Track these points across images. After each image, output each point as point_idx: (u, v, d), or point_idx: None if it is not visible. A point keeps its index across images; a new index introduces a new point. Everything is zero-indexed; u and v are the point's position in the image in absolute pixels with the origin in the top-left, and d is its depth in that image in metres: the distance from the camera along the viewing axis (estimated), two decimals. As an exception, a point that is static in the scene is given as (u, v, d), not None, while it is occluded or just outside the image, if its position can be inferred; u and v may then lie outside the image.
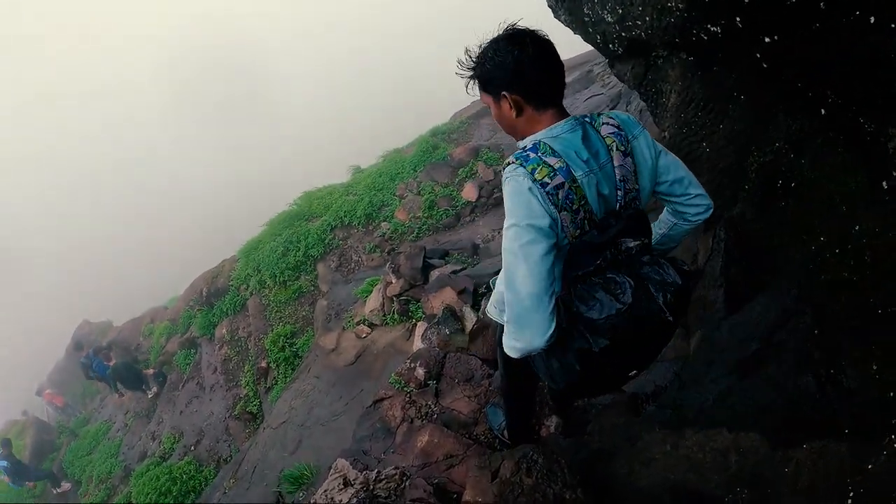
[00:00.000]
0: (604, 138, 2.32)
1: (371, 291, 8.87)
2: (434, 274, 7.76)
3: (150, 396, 15.42)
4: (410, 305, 7.77)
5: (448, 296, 6.82)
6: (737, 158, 4.12)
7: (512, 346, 2.37)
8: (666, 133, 5.04)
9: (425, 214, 11.26)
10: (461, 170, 11.92)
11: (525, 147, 2.29)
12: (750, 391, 3.48)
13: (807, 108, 3.20)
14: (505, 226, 2.30)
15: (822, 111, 2.84)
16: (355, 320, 8.82)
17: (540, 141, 2.27)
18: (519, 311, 2.30)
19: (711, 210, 2.75)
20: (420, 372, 5.66)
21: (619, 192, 2.32)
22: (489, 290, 6.15)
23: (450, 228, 10.81)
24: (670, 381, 4.60)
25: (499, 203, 10.66)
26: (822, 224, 3.25)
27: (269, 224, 14.22)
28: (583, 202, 2.23)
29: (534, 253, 2.21)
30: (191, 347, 14.85)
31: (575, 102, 12.49)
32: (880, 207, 2.76)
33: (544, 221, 2.19)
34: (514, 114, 2.35)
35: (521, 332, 2.32)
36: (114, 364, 15.50)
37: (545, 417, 5.01)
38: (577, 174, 2.21)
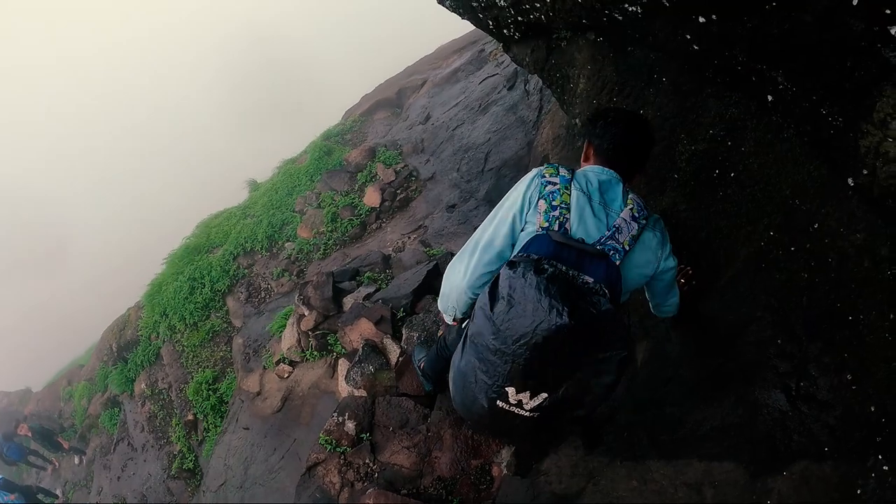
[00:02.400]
0: (627, 199, 2.76)
1: (285, 326, 8.24)
2: (348, 302, 7.18)
3: (80, 464, 14.69)
4: (328, 338, 7.19)
5: (365, 328, 6.27)
6: (661, 146, 3.79)
7: (445, 275, 2.97)
8: (577, 120, 4.71)
9: (329, 228, 10.57)
10: (360, 174, 11.27)
11: None
12: (716, 413, 3.22)
13: (747, 94, 3.09)
14: (501, 201, 2.87)
15: (769, 98, 2.67)
16: (274, 359, 8.22)
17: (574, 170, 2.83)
18: (466, 249, 2.86)
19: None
20: (350, 426, 5.15)
21: (606, 233, 2.64)
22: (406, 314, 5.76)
23: (357, 240, 10.16)
24: (621, 402, 4.20)
25: (404, 205, 10.14)
26: (771, 218, 3.14)
27: (168, 261, 13.30)
28: (563, 206, 2.63)
29: (504, 217, 2.75)
30: (114, 406, 13.92)
31: (469, 86, 12.04)
32: (844, 205, 2.64)
33: (520, 208, 2.72)
34: (583, 158, 3.03)
35: (453, 267, 2.90)
36: (32, 434, 14.84)
37: (494, 454, 4.60)
38: (574, 187, 2.70)
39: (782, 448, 2.74)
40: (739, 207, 3.34)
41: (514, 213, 2.72)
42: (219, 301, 11.34)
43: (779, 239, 3.07)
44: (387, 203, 10.28)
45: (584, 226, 2.62)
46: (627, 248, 2.65)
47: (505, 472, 4.47)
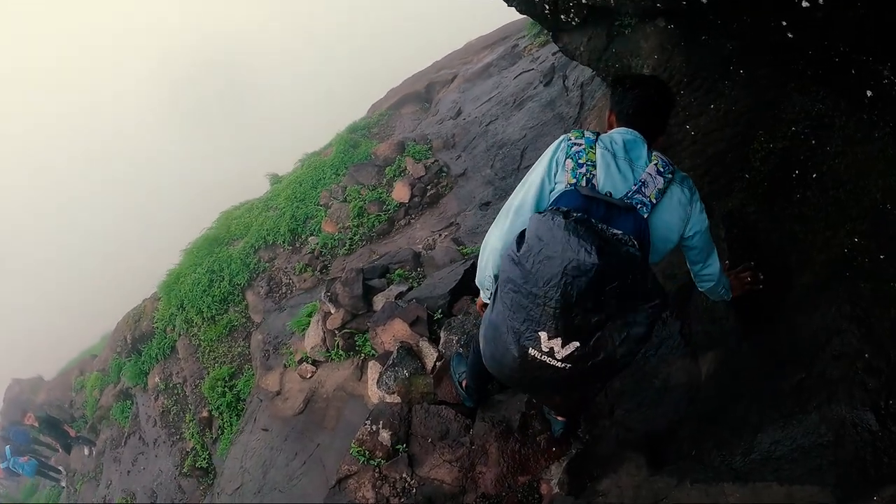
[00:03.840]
0: (652, 156, 2.75)
1: (309, 323, 7.88)
2: (378, 300, 6.80)
3: (90, 456, 14.44)
4: (356, 338, 6.83)
5: (399, 329, 5.90)
6: (732, 143, 3.55)
7: (482, 247, 3.00)
8: None
9: (355, 223, 10.18)
10: (388, 168, 10.85)
11: None
12: (797, 432, 2.97)
13: (838, 89, 2.90)
14: (532, 168, 2.87)
15: (868, 93, 2.52)
16: (296, 358, 7.88)
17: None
18: (500, 216, 2.88)
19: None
20: (385, 436, 4.79)
21: (633, 187, 2.65)
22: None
23: (384, 236, 9.79)
24: (685, 416, 3.83)
25: (434, 202, 9.75)
26: (856, 223, 2.94)
27: (187, 252, 12.99)
28: (589, 164, 2.67)
29: (534, 181, 2.78)
30: (126, 399, 13.60)
31: (503, 81, 11.64)
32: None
33: (547, 171, 2.76)
34: (607, 126, 2.98)
35: (489, 235, 2.93)
36: (39, 423, 14.78)
37: (543, 470, 4.22)
38: (599, 147, 2.71)
39: (872, 471, 2.57)
40: (819, 211, 3.13)
41: (543, 177, 2.76)
42: (238, 295, 11.04)
43: (865, 246, 2.88)
44: (416, 199, 9.90)
45: (610, 180, 2.66)
46: (654, 201, 2.65)
47: (556, 490, 4.08)
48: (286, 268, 10.71)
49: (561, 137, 2.82)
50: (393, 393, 5.30)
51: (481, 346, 2.91)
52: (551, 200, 2.69)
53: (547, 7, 4.21)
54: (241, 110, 55.33)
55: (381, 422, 4.89)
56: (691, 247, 2.92)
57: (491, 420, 4.49)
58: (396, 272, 7.45)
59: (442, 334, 5.55)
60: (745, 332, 3.56)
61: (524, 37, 12.99)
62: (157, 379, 12.07)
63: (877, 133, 2.73)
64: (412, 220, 9.71)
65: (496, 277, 2.91)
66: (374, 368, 5.93)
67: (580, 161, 2.67)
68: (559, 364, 2.49)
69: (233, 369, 10.21)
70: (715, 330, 3.84)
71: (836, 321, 2.93)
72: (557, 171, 2.74)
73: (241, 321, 10.71)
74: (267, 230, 11.38)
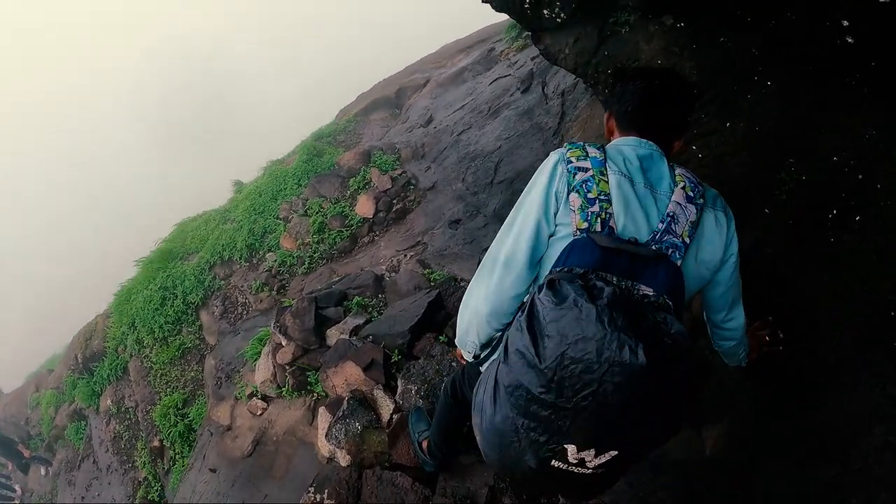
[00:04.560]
0: (675, 175, 2.20)
1: (260, 353, 7.18)
2: (332, 334, 6.10)
3: (46, 476, 13.79)
4: (309, 375, 6.13)
5: (352, 373, 5.21)
6: (751, 170, 2.91)
7: (463, 302, 2.42)
8: None
9: (315, 239, 9.49)
10: (352, 180, 10.15)
11: None
12: None
13: None
14: (520, 199, 2.27)
15: None
16: (247, 391, 7.14)
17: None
18: (484, 268, 2.33)
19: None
20: (329, 509, 4.09)
21: (659, 225, 2.10)
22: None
23: (346, 254, 9.09)
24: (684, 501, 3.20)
25: (400, 217, 9.06)
26: None
27: (141, 266, 12.21)
28: (604, 196, 2.09)
29: (525, 223, 2.20)
30: (80, 419, 12.88)
31: (477, 87, 11.03)
32: None
33: (544, 207, 2.17)
34: (607, 133, 2.46)
35: (471, 292, 2.38)
36: None
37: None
38: (610, 170, 2.14)
39: None
40: (859, 260, 2.52)
41: (539, 217, 2.18)
42: (192, 315, 10.36)
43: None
44: (381, 214, 9.21)
45: (632, 220, 2.10)
46: (688, 240, 2.12)
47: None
48: (242, 286, 10.02)
49: (555, 156, 2.24)
50: (343, 449, 4.63)
51: (480, 443, 2.24)
52: (559, 255, 2.09)
53: (527, 1, 3.57)
54: (213, 115, 54.48)
55: (326, 490, 4.22)
56: (717, 283, 2.34)
57: (453, 496, 3.81)
58: (355, 299, 6.75)
59: (399, 382, 4.87)
60: (762, 404, 2.95)
61: (501, 40, 12.44)
62: (109, 402, 11.42)
63: None
64: (376, 238, 9.03)
65: (483, 345, 2.45)
66: (323, 417, 5.24)
67: (590, 195, 2.09)
68: (589, 471, 1.98)
69: (185, 395, 9.51)
70: (724, 398, 3.21)
71: (880, 404, 2.34)
72: (559, 210, 2.16)
73: (195, 343, 10.06)
74: (223, 245, 10.69)
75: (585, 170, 2.13)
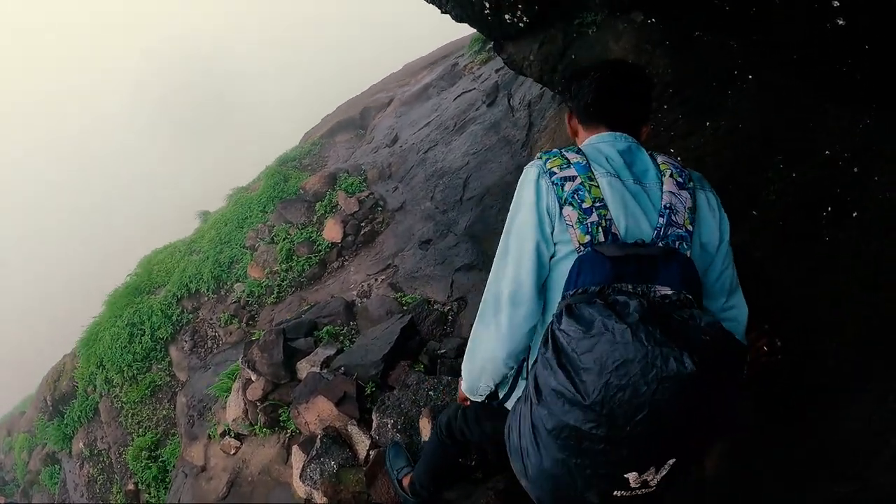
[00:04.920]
0: (658, 164, 2.10)
1: (230, 390, 6.92)
2: (303, 367, 5.87)
3: None
4: (280, 412, 5.89)
5: (324, 409, 4.99)
6: (735, 171, 2.79)
7: (469, 347, 2.21)
8: None
9: (283, 267, 9.21)
10: (318, 204, 9.93)
11: None
12: None
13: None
14: (507, 222, 2.11)
15: None
16: (219, 430, 6.90)
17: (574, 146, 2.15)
18: (487, 308, 2.12)
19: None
20: (302, 557, 3.86)
21: (659, 220, 1.98)
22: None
23: (315, 281, 8.84)
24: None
25: (369, 240, 8.83)
26: None
27: (107, 303, 11.83)
28: (599, 204, 1.95)
29: (521, 250, 2.03)
30: (54, 463, 12.47)
31: (442, 103, 10.87)
32: None
33: (538, 227, 2.00)
34: (571, 133, 2.38)
35: (478, 335, 2.16)
36: None
37: None
38: (597, 173, 2.01)
39: None
40: (857, 260, 2.38)
41: (536, 239, 2.02)
42: (161, 351, 10.03)
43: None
44: (350, 238, 8.97)
45: (633, 220, 1.97)
46: (691, 227, 2.01)
47: None
48: (211, 319, 9.73)
49: (534, 170, 2.08)
50: (319, 489, 4.42)
51: (528, 489, 2.01)
52: (566, 276, 1.93)
53: (487, 5, 3.42)
54: (213, 114, 54.02)
55: (299, 537, 3.99)
56: (714, 267, 2.16)
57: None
58: (325, 329, 6.53)
59: (374, 416, 4.66)
60: (766, 419, 2.76)
61: (464, 55, 12.31)
62: (81, 444, 11.02)
63: None
64: (346, 262, 8.78)
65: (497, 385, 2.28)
66: (297, 456, 5.02)
67: (584, 205, 1.95)
68: (653, 488, 1.80)
69: (157, 436, 9.22)
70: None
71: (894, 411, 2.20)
72: (555, 228, 2.01)
73: (166, 380, 9.75)
74: (190, 277, 10.37)
75: (572, 178, 1.99)
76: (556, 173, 2.01)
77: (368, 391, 5.04)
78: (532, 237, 2.02)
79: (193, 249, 11.45)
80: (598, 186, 1.97)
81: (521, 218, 2.06)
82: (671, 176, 2.06)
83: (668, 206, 2.00)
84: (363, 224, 9.10)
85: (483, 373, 2.20)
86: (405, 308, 6.41)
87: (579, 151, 2.09)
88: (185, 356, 9.56)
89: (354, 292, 7.61)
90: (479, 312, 2.16)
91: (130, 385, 9.97)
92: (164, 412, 9.42)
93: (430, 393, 4.63)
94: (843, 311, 2.40)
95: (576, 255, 1.96)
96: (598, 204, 1.95)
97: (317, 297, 8.09)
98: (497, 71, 9.69)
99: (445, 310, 6.19)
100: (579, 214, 1.94)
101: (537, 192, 2.03)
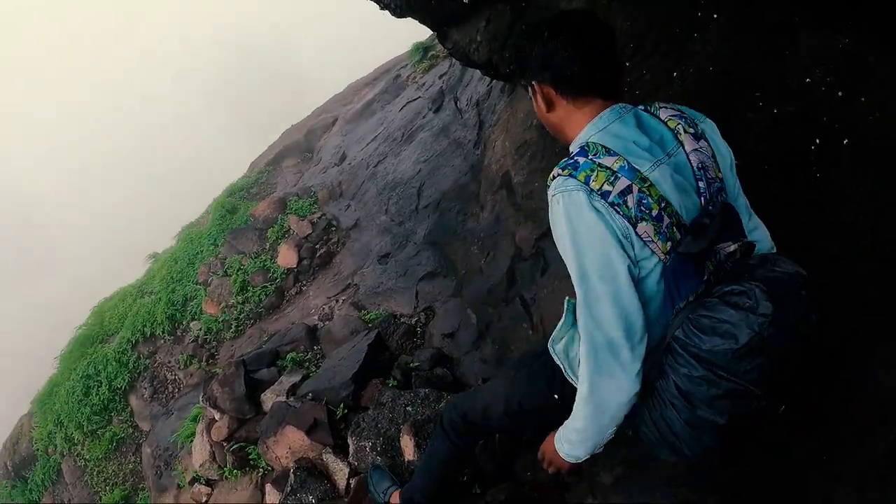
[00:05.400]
0: (665, 122, 1.95)
1: (195, 433, 6.54)
2: (267, 399, 5.52)
3: None
4: (250, 450, 5.52)
5: (295, 439, 4.65)
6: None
7: (595, 408, 1.97)
8: None
9: (239, 300, 8.87)
10: (270, 230, 9.63)
11: (571, 153, 1.92)
12: None
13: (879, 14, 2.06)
14: (572, 272, 1.87)
15: None
16: (187, 478, 6.50)
17: (587, 141, 1.90)
18: (601, 355, 1.88)
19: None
20: None
21: (700, 184, 1.88)
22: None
23: (274, 310, 8.51)
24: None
25: (326, 262, 8.53)
26: None
27: (61, 357, 11.43)
28: (663, 204, 1.79)
29: (616, 284, 1.81)
30: (24, 532, 11.88)
31: (387, 116, 10.68)
32: None
33: (623, 257, 1.79)
34: (545, 108, 2.05)
35: (598, 388, 1.92)
36: None
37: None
38: (644, 168, 1.81)
39: None
40: (858, 191, 2.23)
41: (624, 273, 1.81)
42: (120, 401, 9.64)
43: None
44: (305, 261, 8.67)
45: (687, 200, 1.86)
46: (720, 174, 1.95)
47: None
48: (169, 362, 9.36)
49: (576, 194, 1.81)
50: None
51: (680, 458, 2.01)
52: (664, 291, 1.88)
53: None
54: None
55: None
56: (735, 188, 2.10)
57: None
58: (289, 356, 6.19)
59: (350, 441, 4.33)
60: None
61: (406, 66, 12.18)
62: (48, 510, 10.44)
63: None
64: (304, 287, 8.47)
65: None
66: (271, 495, 4.67)
67: (653, 212, 1.78)
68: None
69: (126, 492, 8.82)
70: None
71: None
72: (634, 248, 1.83)
73: (128, 432, 9.36)
74: (143, 320, 9.97)
75: (628, 189, 1.78)
76: (609, 191, 1.78)
77: (340, 414, 4.72)
78: (620, 271, 1.82)
79: (145, 291, 11.06)
80: (653, 184, 1.80)
81: (595, 254, 1.83)
82: (685, 131, 1.92)
83: (699, 166, 1.89)
84: (318, 246, 8.83)
85: (614, 421, 2.02)
86: (370, 325, 6.12)
87: (609, 150, 1.85)
88: (146, 404, 9.18)
89: (316, 316, 7.31)
90: (589, 366, 1.94)
91: (92, 441, 9.54)
92: (131, 466, 9.07)
93: (408, 408, 4.35)
94: (850, 254, 2.27)
95: (661, 265, 1.86)
96: (663, 204, 1.80)
97: (277, 327, 7.76)
98: (441, 76, 9.57)
99: (413, 321, 5.94)
100: (654, 226, 1.79)
101: (601, 220, 1.80)
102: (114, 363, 9.75)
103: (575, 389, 2.12)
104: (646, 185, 1.78)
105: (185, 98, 58.56)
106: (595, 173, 1.79)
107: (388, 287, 6.71)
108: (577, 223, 1.81)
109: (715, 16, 2.51)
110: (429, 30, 4.22)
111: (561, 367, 2.27)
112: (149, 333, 9.83)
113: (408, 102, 10.24)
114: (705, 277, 1.78)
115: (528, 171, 4.92)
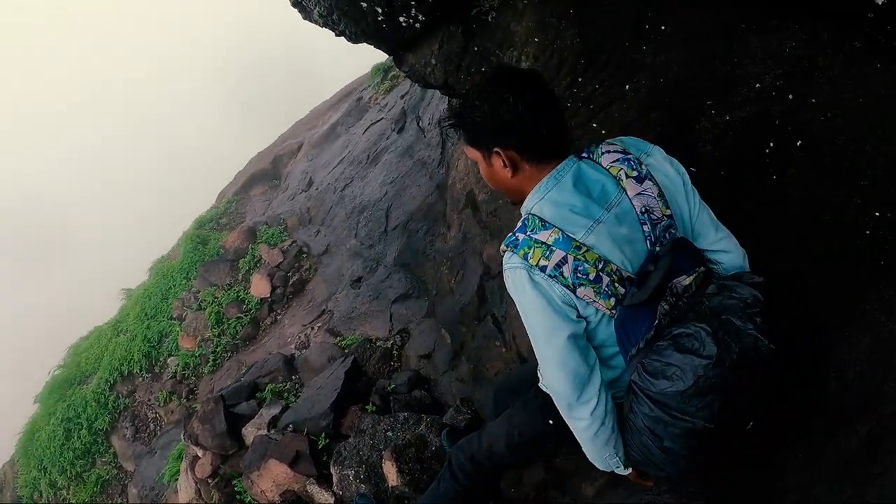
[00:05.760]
0: (607, 169, 1.96)
1: (178, 471, 6.52)
2: (249, 433, 5.55)
3: None
4: (235, 485, 5.53)
5: (278, 472, 4.69)
6: (665, 130, 2.67)
7: (594, 454, 2.12)
8: None
9: (215, 333, 8.85)
10: (241, 261, 9.62)
11: (515, 229, 1.97)
12: None
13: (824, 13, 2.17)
14: (529, 329, 2.00)
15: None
16: (175, 518, 6.46)
17: (529, 214, 1.95)
18: (566, 407, 2.04)
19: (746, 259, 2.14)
20: None
21: (644, 228, 1.91)
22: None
23: (251, 341, 8.51)
24: None
25: (299, 290, 8.55)
26: (876, 191, 2.13)
27: (39, 400, 11.30)
28: (601, 265, 1.85)
29: (558, 342, 1.92)
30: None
31: (352, 139, 10.69)
32: None
33: (566, 322, 1.90)
34: (509, 173, 2.01)
35: (582, 428, 2.06)
36: None
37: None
38: (579, 236, 1.86)
39: None
40: (814, 189, 2.28)
41: (566, 335, 1.92)
42: (102, 443, 9.57)
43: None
44: (279, 290, 8.68)
45: (631, 251, 1.90)
46: (669, 210, 1.95)
47: None
48: (149, 400, 9.30)
49: (517, 272, 1.92)
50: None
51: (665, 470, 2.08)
52: (617, 340, 1.95)
53: (380, 11, 3.24)
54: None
55: None
56: (689, 212, 2.08)
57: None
58: (268, 388, 6.21)
59: (334, 471, 4.36)
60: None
61: (367, 87, 12.21)
62: (36, 561, 10.29)
63: (878, 62, 2.02)
64: (279, 316, 8.49)
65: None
66: (260, 529, 4.70)
67: (590, 276, 1.85)
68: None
69: (114, 534, 8.71)
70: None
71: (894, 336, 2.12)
72: (578, 308, 1.92)
73: (113, 473, 9.29)
74: (119, 359, 9.90)
75: (563, 260, 1.85)
76: (545, 265, 1.86)
77: (322, 444, 4.75)
78: (561, 337, 1.92)
79: (120, 330, 10.95)
80: (589, 249, 1.85)
81: (539, 322, 1.95)
82: (627, 177, 1.94)
83: (643, 210, 1.91)
84: (290, 274, 8.84)
85: (602, 442, 2.09)
86: (346, 351, 6.15)
87: (541, 222, 1.91)
88: (129, 444, 9.11)
89: (292, 345, 7.33)
90: (560, 410, 2.10)
91: (77, 485, 9.49)
92: (119, 508, 8.93)
93: (389, 433, 4.38)
94: (812, 250, 2.33)
95: (609, 320, 1.94)
96: (600, 265, 1.85)
97: (254, 358, 7.76)
98: (402, 97, 9.59)
99: (389, 345, 5.96)
100: (594, 288, 1.86)
101: (541, 294, 1.90)
102: (93, 404, 9.67)
103: None
104: (581, 251, 1.84)
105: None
106: (532, 250, 1.87)
107: (362, 311, 6.74)
108: (521, 296, 1.93)
109: (662, 27, 2.57)
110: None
111: (546, 391, 2.33)
112: (126, 372, 9.76)
113: (371, 124, 10.27)
114: (656, 321, 1.83)
115: (492, 190, 4.97)
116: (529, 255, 1.86)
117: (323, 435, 4.83)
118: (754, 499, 2.40)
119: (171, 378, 9.12)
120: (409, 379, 5.19)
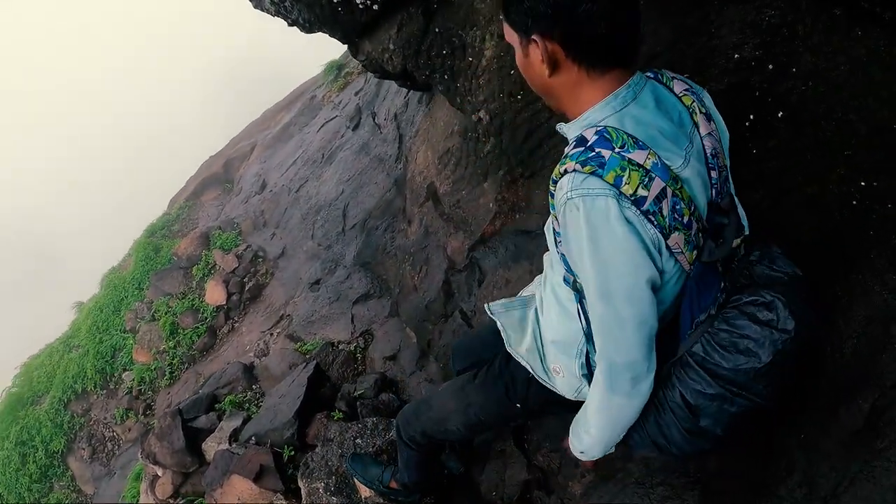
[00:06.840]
0: (679, 98, 1.63)
1: (138, 492, 6.24)
2: (209, 448, 5.29)
3: None
4: None
5: (242, 489, 4.44)
6: None
7: (609, 427, 1.81)
8: (482, 114, 3.27)
9: (171, 344, 8.51)
10: (195, 268, 9.29)
11: (586, 140, 1.48)
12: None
13: None
14: (589, 287, 1.58)
15: None
16: (138, 543, 6.19)
17: (606, 127, 1.48)
18: (624, 372, 1.64)
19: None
20: None
21: (712, 174, 1.63)
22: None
23: (208, 351, 8.22)
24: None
25: (256, 295, 8.28)
26: (860, 158, 2.09)
27: (-7, 423, 10.81)
28: (692, 207, 1.54)
29: (643, 302, 1.54)
30: None
31: (306, 138, 10.46)
32: None
33: (653, 273, 1.52)
34: (546, 71, 1.53)
35: (623, 401, 1.70)
36: None
37: None
38: (675, 165, 1.50)
39: None
40: (799, 161, 2.21)
41: (650, 290, 1.55)
42: (59, 465, 9.20)
43: (882, 187, 2.02)
44: (235, 297, 8.39)
45: (703, 194, 1.62)
46: (728, 161, 1.76)
47: None
48: (105, 418, 8.96)
49: (604, 201, 1.43)
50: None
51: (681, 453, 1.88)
52: (684, 303, 1.68)
53: None
54: None
55: None
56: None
57: None
58: (227, 399, 5.96)
59: (302, 484, 4.12)
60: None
61: (321, 86, 11.98)
62: None
63: (859, 29, 1.92)
64: (236, 324, 8.20)
65: None
66: (225, 551, 4.45)
67: (683, 218, 1.52)
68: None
69: (75, 564, 8.40)
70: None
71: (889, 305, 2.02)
72: (661, 260, 1.55)
73: (72, 497, 8.93)
74: (73, 376, 9.54)
75: (663, 193, 1.47)
76: (644, 197, 1.44)
77: (288, 456, 4.53)
78: (647, 293, 1.55)
79: (71, 345, 10.56)
80: (683, 184, 1.52)
81: (624, 275, 1.52)
82: (700, 111, 1.64)
83: (713, 153, 1.64)
84: (246, 279, 8.57)
85: (626, 429, 1.85)
86: (308, 356, 5.93)
87: (637, 142, 1.47)
88: (87, 466, 8.80)
89: (251, 353, 7.07)
90: (606, 383, 1.71)
91: (34, 513, 9.07)
92: (81, 534, 8.63)
93: (357, 441, 4.16)
94: (801, 220, 2.27)
95: (684, 276, 1.66)
96: (692, 208, 1.55)
97: (213, 368, 7.48)
98: (356, 93, 9.41)
99: (352, 348, 5.76)
100: (685, 235, 1.55)
101: (634, 234, 1.47)
102: (48, 425, 9.31)
103: (543, 388, 2.07)
104: (678, 186, 1.49)
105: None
106: (627, 173, 1.43)
107: (323, 314, 6.53)
108: (602, 237, 1.47)
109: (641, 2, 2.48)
110: (340, 44, 4.08)
111: (528, 367, 2.12)
112: (80, 390, 9.41)
113: (325, 122, 10.05)
114: (723, 285, 1.66)
115: (454, 180, 4.79)
116: (624, 179, 1.42)
117: (287, 446, 4.61)
118: (755, 483, 2.29)
119: (126, 394, 8.78)
120: (375, 382, 5.00)
